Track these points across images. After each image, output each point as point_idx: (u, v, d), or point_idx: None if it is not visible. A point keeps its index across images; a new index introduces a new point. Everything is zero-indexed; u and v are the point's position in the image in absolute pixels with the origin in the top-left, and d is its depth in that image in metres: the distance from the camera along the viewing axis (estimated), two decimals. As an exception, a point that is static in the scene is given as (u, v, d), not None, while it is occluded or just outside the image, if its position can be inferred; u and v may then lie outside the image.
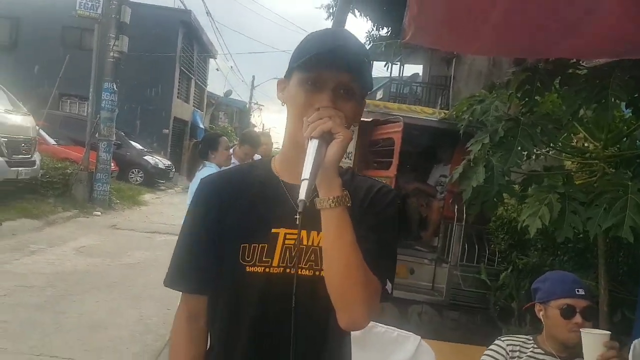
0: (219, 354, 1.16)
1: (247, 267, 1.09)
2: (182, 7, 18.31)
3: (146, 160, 16.06)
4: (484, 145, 3.08)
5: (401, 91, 13.07)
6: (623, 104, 3.09)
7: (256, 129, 23.67)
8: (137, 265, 6.57)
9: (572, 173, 3.35)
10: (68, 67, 11.08)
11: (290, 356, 1.05)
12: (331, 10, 11.43)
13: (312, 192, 0.96)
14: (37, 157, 9.38)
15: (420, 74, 14.72)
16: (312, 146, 0.97)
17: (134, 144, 16.40)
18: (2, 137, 7.51)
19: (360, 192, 1.14)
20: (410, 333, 1.91)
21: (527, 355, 1.85)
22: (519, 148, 2.86)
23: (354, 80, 1.06)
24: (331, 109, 1.01)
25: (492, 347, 1.90)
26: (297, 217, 0.95)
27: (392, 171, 4.25)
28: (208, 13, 19.54)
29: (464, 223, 4.53)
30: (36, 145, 9.42)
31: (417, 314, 4.59)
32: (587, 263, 3.87)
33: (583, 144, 3.83)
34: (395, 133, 4.31)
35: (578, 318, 1.75)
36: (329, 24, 11.48)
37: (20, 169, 8.65)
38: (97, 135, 10.89)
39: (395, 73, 14.34)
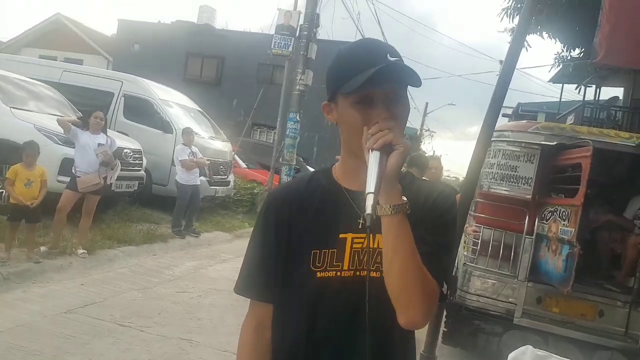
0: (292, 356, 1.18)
1: (318, 273, 1.14)
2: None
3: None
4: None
5: (597, 116, 11.77)
6: None
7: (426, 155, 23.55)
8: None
9: None
10: (261, 99, 12.40)
11: (364, 353, 1.09)
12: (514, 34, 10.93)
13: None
14: (231, 178, 10.76)
15: (621, 97, 13.10)
16: (374, 158, 1.02)
17: (310, 168, 17.57)
18: (207, 160, 8.76)
19: (421, 196, 1.17)
20: (589, 368, 1.73)
21: None
22: None
23: (402, 87, 1.12)
24: (390, 120, 1.05)
25: None
26: (366, 229, 0.99)
27: (579, 199, 3.84)
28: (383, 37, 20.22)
29: None
30: (232, 168, 10.81)
31: (606, 360, 4.03)
32: None
33: None
34: (584, 158, 3.88)
35: None
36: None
37: (218, 187, 10.02)
38: (280, 159, 11.96)
39: (589, 96, 13.00)
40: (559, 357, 1.78)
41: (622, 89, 12.99)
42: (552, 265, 4.05)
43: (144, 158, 8.22)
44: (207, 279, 6.38)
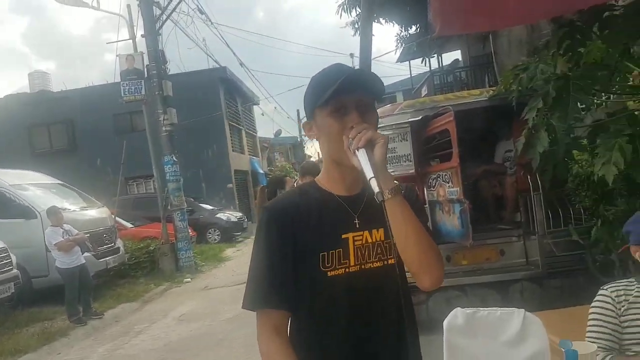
0: (318, 354, 1.30)
1: (329, 272, 1.27)
2: (217, 66, 19.08)
3: (219, 217, 16.69)
4: (539, 110, 3.03)
5: (445, 81, 12.87)
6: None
7: (312, 159, 24.03)
8: (236, 318, 6.75)
9: (635, 112, 3.21)
10: (127, 151, 11.72)
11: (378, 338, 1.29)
12: (356, 26, 11.59)
13: (370, 190, 1.18)
14: (119, 243, 9.97)
15: (460, 58, 14.45)
16: (362, 155, 1.18)
17: (204, 205, 17.10)
18: (85, 233, 7.92)
19: None
20: (514, 308, 1.89)
21: (634, 296, 1.84)
22: (575, 102, 2.79)
23: (369, 95, 1.28)
24: (363, 123, 1.22)
25: (597, 298, 1.91)
26: (382, 204, 1.18)
27: (455, 161, 4.21)
28: (242, 64, 20.23)
29: (540, 191, 4.40)
30: (116, 233, 10.04)
31: (519, 293, 4.45)
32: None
33: (641, 80, 3.66)
34: (448, 123, 4.27)
35: None
36: (357, 39, 11.63)
37: (107, 258, 9.21)
38: (169, 207, 11.42)
39: (435, 65, 14.12)
40: (486, 307, 1.91)
41: (459, 51, 14.35)
42: (450, 225, 4.38)
43: (11, 255, 7.38)
44: (128, 358, 5.90)
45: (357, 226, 1.30)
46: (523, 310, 1.84)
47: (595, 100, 3.33)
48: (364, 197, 1.31)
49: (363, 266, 1.29)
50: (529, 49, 8.58)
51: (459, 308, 1.98)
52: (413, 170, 4.69)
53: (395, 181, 1.23)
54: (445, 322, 1.97)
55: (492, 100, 4.57)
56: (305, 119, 1.40)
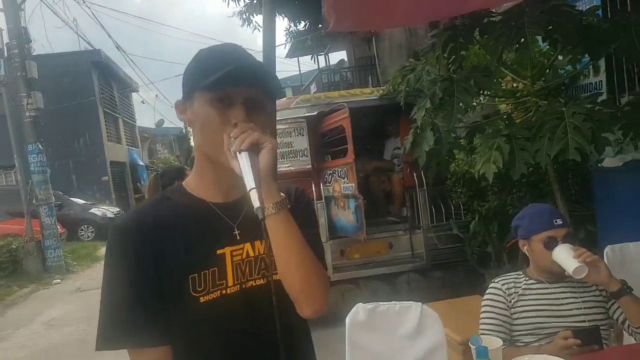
0: None
1: (201, 298, 1.06)
2: (90, 48, 17.63)
3: (93, 213, 15.41)
4: (427, 110, 3.18)
5: (332, 79, 13.24)
6: (539, 39, 3.27)
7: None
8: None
9: (511, 114, 3.53)
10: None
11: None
12: (244, 17, 11.36)
13: (249, 203, 0.98)
14: (-25, 241, 8.88)
15: (346, 59, 14.93)
16: (244, 158, 0.99)
17: (75, 200, 15.72)
18: None
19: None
20: (411, 302, 1.97)
21: (522, 288, 1.94)
22: (460, 104, 2.97)
23: (262, 93, 1.09)
24: (249, 123, 1.03)
25: (489, 290, 1.98)
26: (262, 223, 0.98)
27: (350, 157, 4.33)
28: (118, 47, 18.76)
29: (425, 187, 4.68)
30: (-30, 230, 8.90)
31: (406, 283, 4.73)
32: (542, 193, 4.09)
33: (512, 85, 4.03)
34: (344, 120, 4.38)
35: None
36: (245, 30, 11.43)
37: (-40, 259, 8.17)
38: (34, 201, 10.35)
39: (322, 64, 14.50)
40: (385, 303, 1.97)
41: (345, 51, 14.82)
42: (345, 220, 4.50)
43: None
44: (-13, 368, 5.26)
45: (238, 238, 1.11)
46: (420, 304, 1.93)
47: (474, 102, 3.59)
48: (244, 203, 1.09)
49: (244, 285, 1.10)
50: (408, 53, 9.10)
51: (360, 304, 2.02)
52: (309, 166, 4.74)
53: (281, 193, 1.05)
54: (347, 319, 2.00)
55: (382, 99, 4.77)
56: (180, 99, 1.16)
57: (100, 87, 20.04)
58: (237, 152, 1.00)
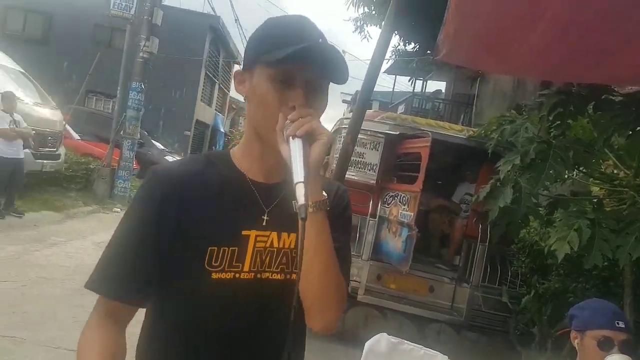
0: None
1: (213, 274, 0.99)
2: (212, 13, 18.61)
3: (167, 160, 16.20)
4: (514, 165, 3.06)
5: (423, 106, 13.13)
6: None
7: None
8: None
9: (602, 200, 3.31)
10: (98, 64, 11.24)
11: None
12: (359, 24, 11.50)
13: (292, 194, 0.89)
14: (62, 150, 9.54)
15: (443, 90, 14.76)
16: (297, 146, 0.91)
17: (156, 143, 16.55)
18: (32, 130, 7.64)
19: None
20: (437, 352, 1.90)
21: None
22: (551, 171, 2.84)
23: (327, 79, 1.00)
24: (308, 108, 0.95)
25: None
26: (301, 222, 0.87)
27: (418, 186, 4.23)
28: (237, 21, 19.61)
29: (487, 243, 4.48)
30: (62, 139, 9.57)
31: (436, 333, 4.53)
32: (610, 292, 3.80)
33: (612, 171, 3.78)
34: (423, 148, 4.30)
35: (615, 351, 1.70)
36: (356, 36, 11.58)
37: (45, 161, 8.81)
38: (122, 133, 11.02)
39: (417, 89, 14.45)
40: (410, 343, 1.92)
41: (445, 83, 14.63)
42: (392, 246, 4.41)
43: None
44: (34, 266, 5.63)
45: (265, 224, 1.03)
46: (447, 357, 1.85)
47: (566, 175, 3.41)
48: (281, 189, 1.04)
49: (259, 275, 1.02)
50: (510, 103, 8.80)
51: (384, 334, 1.98)
52: (374, 181, 4.69)
53: (324, 193, 0.97)
54: (367, 344, 1.96)
55: (470, 140, 4.63)
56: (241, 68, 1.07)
57: (209, 51, 21.02)
58: (291, 137, 0.92)
